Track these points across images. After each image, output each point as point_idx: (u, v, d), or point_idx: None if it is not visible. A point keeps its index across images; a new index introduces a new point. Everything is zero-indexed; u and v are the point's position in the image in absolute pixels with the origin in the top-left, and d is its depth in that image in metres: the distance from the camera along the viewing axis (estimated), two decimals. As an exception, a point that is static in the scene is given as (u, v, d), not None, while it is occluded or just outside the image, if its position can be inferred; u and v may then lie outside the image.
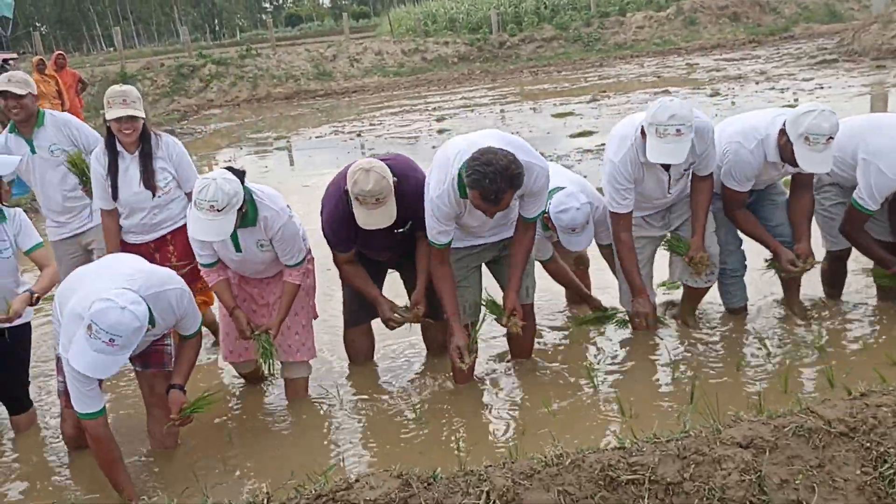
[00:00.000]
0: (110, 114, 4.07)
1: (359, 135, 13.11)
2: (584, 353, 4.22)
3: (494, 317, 3.89)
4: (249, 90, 20.85)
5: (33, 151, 4.46)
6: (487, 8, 27.10)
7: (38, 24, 66.68)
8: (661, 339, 4.26)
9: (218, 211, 3.45)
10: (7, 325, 3.69)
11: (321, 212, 3.87)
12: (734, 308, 4.45)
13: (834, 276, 4.51)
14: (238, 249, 3.77)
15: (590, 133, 10.74)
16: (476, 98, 16.54)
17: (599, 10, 25.16)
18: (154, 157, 4.20)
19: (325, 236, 3.90)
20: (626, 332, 4.38)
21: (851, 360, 3.76)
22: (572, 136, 10.74)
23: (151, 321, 3.14)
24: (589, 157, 9.09)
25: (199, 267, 3.92)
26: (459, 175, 3.41)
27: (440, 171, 3.54)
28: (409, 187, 3.71)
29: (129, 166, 4.20)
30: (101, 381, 3.23)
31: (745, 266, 4.36)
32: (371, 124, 14.22)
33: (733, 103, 11.88)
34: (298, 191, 9.17)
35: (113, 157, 4.19)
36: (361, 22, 61.33)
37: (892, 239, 4.17)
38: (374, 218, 3.57)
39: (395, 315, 3.94)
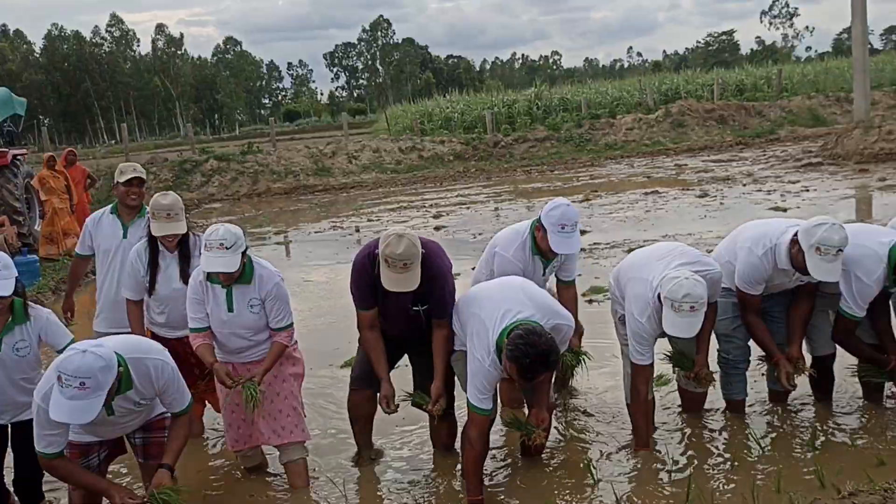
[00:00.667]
0: (155, 229, 4.33)
1: (357, 230, 13.40)
2: (584, 449, 4.33)
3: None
4: (250, 185, 21.30)
5: (125, 237, 4.71)
6: (481, 108, 28.06)
7: (42, 117, 68.19)
8: (659, 436, 4.38)
9: (227, 248, 3.80)
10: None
11: (351, 273, 4.12)
12: (733, 400, 4.57)
13: (820, 380, 4.66)
14: (230, 308, 3.99)
15: (582, 232, 11.03)
16: (472, 195, 16.96)
17: (590, 112, 26.07)
18: (192, 257, 4.44)
19: (351, 293, 4.16)
20: (626, 431, 4.49)
21: (842, 459, 3.88)
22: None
23: (129, 383, 3.33)
24: (582, 256, 9.33)
25: (189, 332, 4.11)
26: (498, 345, 3.63)
27: (481, 343, 3.72)
28: (434, 266, 3.97)
29: (170, 265, 4.43)
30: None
31: (749, 360, 4.52)
32: (369, 220, 14.54)
33: (722, 203, 12.27)
34: (298, 284, 9.35)
35: (153, 254, 4.43)
36: (357, 118, 63.06)
37: (875, 341, 4.36)
38: (400, 282, 3.80)
39: (391, 407, 4.09)
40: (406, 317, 4.08)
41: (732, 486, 3.75)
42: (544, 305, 3.83)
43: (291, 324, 4.12)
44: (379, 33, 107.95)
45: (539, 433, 3.93)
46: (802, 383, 4.57)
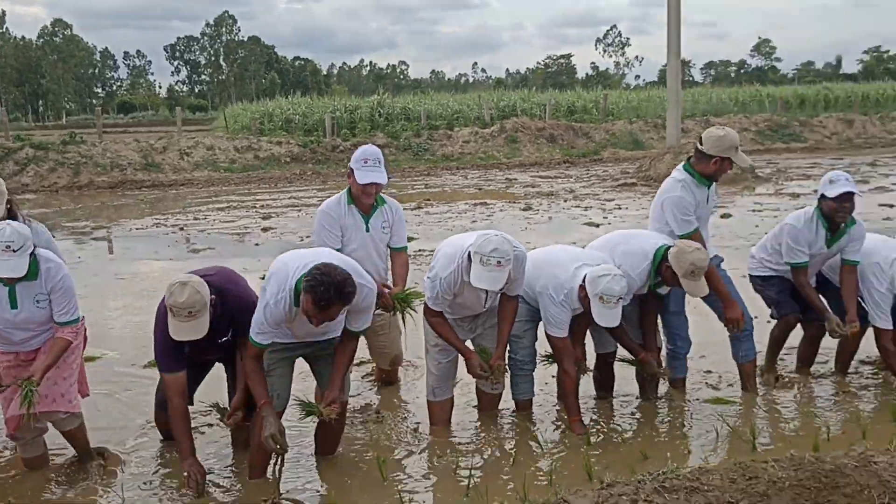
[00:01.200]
0: None
1: (181, 229, 12.96)
2: (386, 448, 4.44)
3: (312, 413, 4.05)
4: (70, 177, 20.05)
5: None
6: (323, 112, 27.91)
7: None
8: (449, 437, 4.57)
9: (14, 251, 3.71)
10: None
11: (154, 332, 3.97)
12: (520, 400, 4.84)
13: (603, 378, 5.05)
14: (14, 306, 3.88)
15: (410, 238, 11.21)
16: (305, 198, 16.82)
17: (430, 123, 26.56)
18: None
19: (155, 354, 4.06)
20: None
21: (612, 454, 4.20)
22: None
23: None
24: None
25: None
26: (297, 286, 3.72)
27: (278, 282, 3.82)
28: (230, 300, 3.96)
29: None
30: None
31: (535, 362, 4.80)
32: (196, 218, 14.11)
33: (543, 216, 12.90)
34: (112, 281, 8.96)
35: None
36: (198, 115, 60.86)
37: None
38: (185, 331, 3.75)
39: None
40: (215, 348, 4.08)
41: (509, 481, 3.97)
42: (350, 265, 3.90)
43: (78, 318, 4.00)
44: (223, 29, 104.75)
45: (330, 410, 3.94)
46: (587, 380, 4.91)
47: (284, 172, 21.87)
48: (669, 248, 4.48)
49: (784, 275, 5.16)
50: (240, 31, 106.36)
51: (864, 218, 5.41)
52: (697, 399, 4.99)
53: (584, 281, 4.31)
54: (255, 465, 4.09)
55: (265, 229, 12.57)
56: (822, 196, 4.95)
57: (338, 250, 4.53)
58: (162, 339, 3.89)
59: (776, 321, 5.31)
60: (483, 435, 4.58)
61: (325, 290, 3.55)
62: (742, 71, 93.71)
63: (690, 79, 78.85)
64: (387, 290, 4.75)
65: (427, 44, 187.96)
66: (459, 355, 4.52)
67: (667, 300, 4.86)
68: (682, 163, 4.94)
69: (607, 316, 4.24)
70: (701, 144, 4.81)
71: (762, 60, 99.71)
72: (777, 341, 5.34)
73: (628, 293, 4.46)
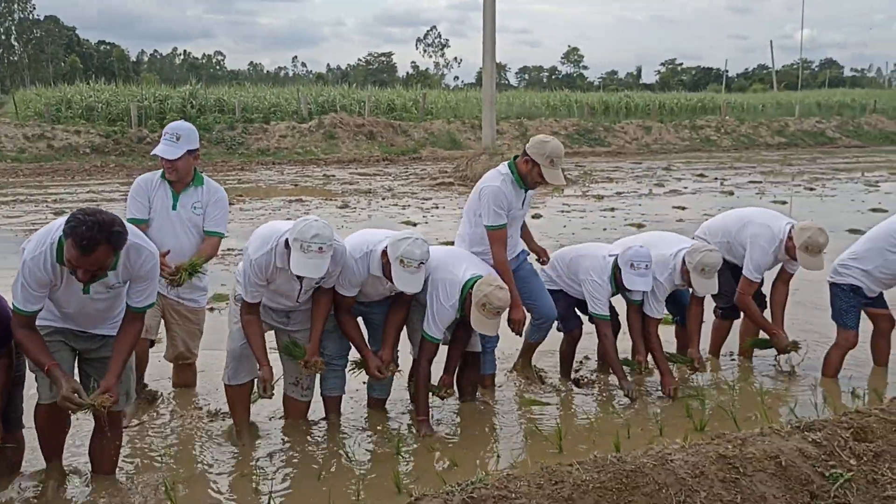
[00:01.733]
0: None
1: (-46, 224, 11.61)
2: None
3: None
4: None
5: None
6: (129, 100, 26.16)
7: None
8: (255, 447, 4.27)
9: None
10: None
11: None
12: (329, 397, 4.65)
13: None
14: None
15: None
16: (106, 192, 15.64)
17: (245, 116, 25.61)
18: None
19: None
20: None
21: (420, 464, 4.08)
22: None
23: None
24: (213, 262, 8.98)
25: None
26: (60, 240, 3.32)
27: (38, 238, 3.45)
28: None
29: None
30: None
31: (347, 358, 4.64)
32: (-26, 213, 12.70)
33: (370, 216, 12.71)
34: None
35: None
36: (-13, 99, 55.40)
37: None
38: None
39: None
40: None
41: (313, 496, 3.75)
42: (133, 231, 3.56)
43: None
44: (16, 6, 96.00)
45: (106, 398, 3.51)
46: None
47: (83, 164, 20.27)
48: (477, 279, 4.42)
49: (567, 290, 5.28)
50: (34, 8, 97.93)
51: (659, 219, 5.65)
52: (508, 400, 4.99)
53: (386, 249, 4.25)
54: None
55: (57, 226, 11.48)
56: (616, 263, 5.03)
57: (143, 222, 4.50)
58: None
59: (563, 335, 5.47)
60: (289, 445, 4.31)
61: (89, 229, 3.16)
62: (553, 77, 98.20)
63: (506, 82, 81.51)
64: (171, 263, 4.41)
65: (245, 35, 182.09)
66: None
67: None
68: (509, 160, 4.93)
69: (408, 281, 4.16)
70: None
71: (571, 68, 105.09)
72: (566, 355, 5.49)
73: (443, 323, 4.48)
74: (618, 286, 5.01)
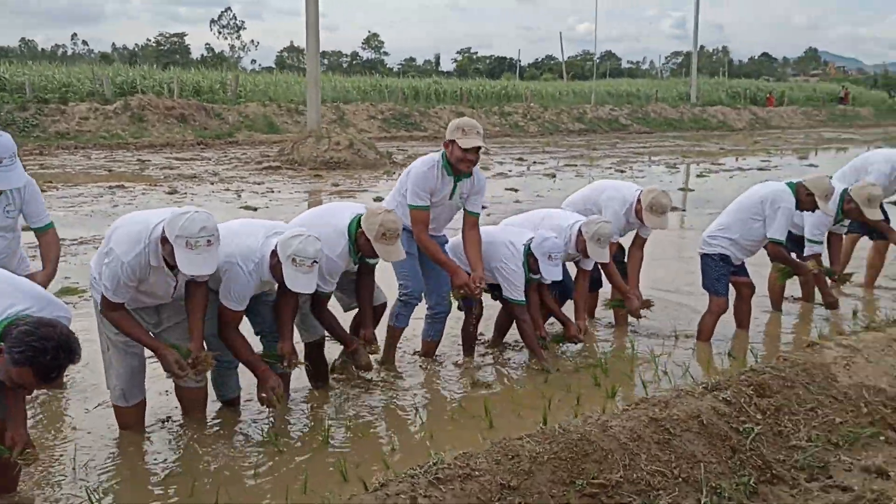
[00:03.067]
0: None
1: None
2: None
3: None
4: None
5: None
6: None
7: None
8: (162, 444, 3.94)
9: None
10: None
11: None
12: (227, 398, 4.41)
13: (316, 368, 4.81)
14: None
15: (41, 227, 9.69)
16: None
17: (37, 95, 23.34)
18: None
19: None
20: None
21: (360, 451, 3.96)
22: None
23: None
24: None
25: None
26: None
27: None
28: None
29: None
30: None
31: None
32: None
33: (192, 201, 12.05)
34: None
35: None
36: None
37: None
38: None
39: None
40: None
41: (261, 491, 3.54)
42: (38, 296, 3.16)
43: None
44: None
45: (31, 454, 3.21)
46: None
47: None
48: (359, 217, 4.43)
49: None
50: None
51: (497, 201, 5.93)
52: (424, 382, 4.97)
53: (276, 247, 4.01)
54: None
55: None
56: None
57: None
58: None
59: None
60: (213, 443, 4.02)
61: (54, 358, 2.83)
62: (355, 62, 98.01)
63: (304, 66, 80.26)
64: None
65: (14, 9, 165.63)
66: None
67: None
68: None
69: (301, 281, 3.94)
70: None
71: (372, 53, 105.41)
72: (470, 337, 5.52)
73: (328, 277, 4.37)
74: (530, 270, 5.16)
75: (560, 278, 5.14)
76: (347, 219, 4.45)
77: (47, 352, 2.80)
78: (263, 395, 4.09)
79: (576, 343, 5.48)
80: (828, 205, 5.54)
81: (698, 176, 17.21)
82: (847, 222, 6.42)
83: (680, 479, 3.47)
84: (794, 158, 22.47)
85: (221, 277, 4.02)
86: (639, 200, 5.62)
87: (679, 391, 4.12)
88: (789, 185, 5.60)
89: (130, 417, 4.08)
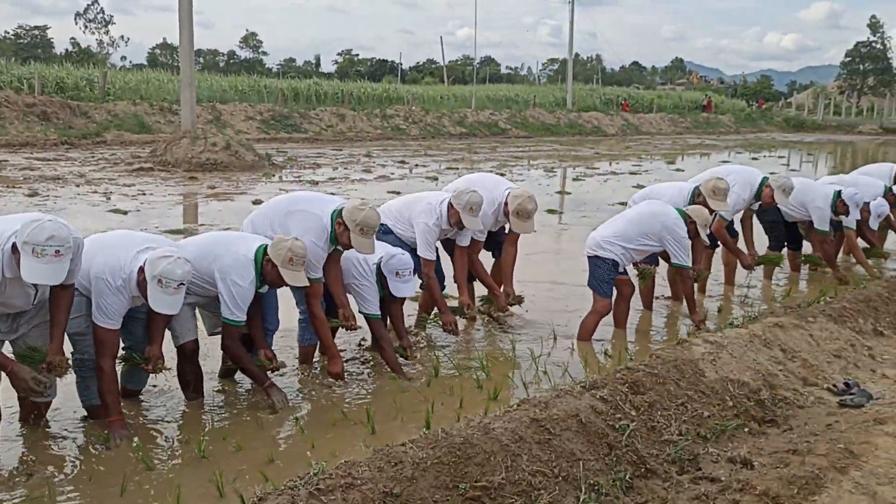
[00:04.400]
0: None
1: None
2: None
3: None
4: None
5: None
6: None
7: None
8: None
9: None
10: None
11: None
12: (94, 406, 4.20)
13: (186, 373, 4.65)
14: None
15: None
16: None
17: None
18: None
19: None
20: None
21: (234, 463, 3.82)
22: None
23: None
24: None
25: None
26: None
27: None
28: None
29: None
30: None
31: None
32: None
33: (56, 204, 11.36)
34: None
35: None
36: None
37: None
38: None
39: None
40: None
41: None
42: None
43: None
44: None
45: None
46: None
47: None
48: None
49: None
50: None
51: (378, 203, 6.01)
52: (299, 388, 4.85)
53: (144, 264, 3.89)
54: None
55: None
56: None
57: None
58: None
59: None
60: (76, 460, 3.78)
61: None
62: (232, 61, 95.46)
63: (178, 64, 77.52)
64: None
65: None
66: None
67: None
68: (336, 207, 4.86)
69: (166, 302, 3.85)
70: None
71: (250, 53, 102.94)
72: None
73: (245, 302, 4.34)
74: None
75: (413, 293, 5.27)
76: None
77: None
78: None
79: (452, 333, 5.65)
80: (706, 231, 6.01)
81: (574, 179, 17.71)
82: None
83: (560, 478, 3.53)
84: (663, 163, 23.49)
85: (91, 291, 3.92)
86: (506, 202, 5.78)
87: (559, 391, 4.19)
88: (679, 211, 5.96)
89: None
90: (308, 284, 4.51)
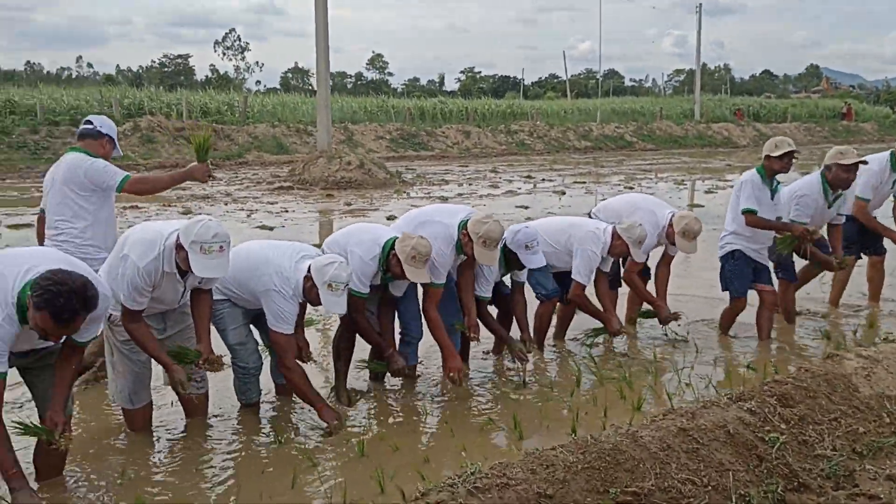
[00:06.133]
0: None
1: None
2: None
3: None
4: None
5: None
6: None
7: None
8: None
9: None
10: None
11: None
12: (251, 403, 4.67)
13: None
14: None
15: (61, 247, 9.84)
16: None
17: (47, 118, 23.58)
18: None
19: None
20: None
21: (391, 462, 4.04)
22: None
23: None
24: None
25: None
26: (21, 299, 3.14)
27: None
28: None
29: None
30: None
31: (262, 363, 4.67)
32: None
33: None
34: None
35: None
36: None
37: None
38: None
39: None
40: None
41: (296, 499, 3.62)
42: (72, 263, 3.40)
43: None
44: None
45: (66, 437, 3.46)
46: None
47: None
48: (396, 239, 4.71)
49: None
50: None
51: (508, 217, 6.04)
52: (440, 391, 5.06)
53: (309, 271, 4.27)
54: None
55: None
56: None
57: None
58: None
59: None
60: (242, 453, 4.12)
61: (67, 301, 3.03)
62: (359, 82, 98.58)
63: (309, 87, 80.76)
64: None
65: (19, 31, 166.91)
66: None
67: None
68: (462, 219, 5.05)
69: (338, 304, 4.21)
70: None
71: (376, 74, 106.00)
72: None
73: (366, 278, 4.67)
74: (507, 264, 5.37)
75: (543, 263, 5.32)
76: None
77: (61, 295, 3.02)
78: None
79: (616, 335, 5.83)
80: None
81: (706, 192, 17.32)
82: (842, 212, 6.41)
83: (709, 488, 3.55)
84: (797, 174, 22.55)
85: (260, 301, 4.36)
86: (671, 224, 5.86)
87: (704, 402, 4.20)
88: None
89: (138, 419, 4.31)
90: (428, 281, 4.75)
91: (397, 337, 5.17)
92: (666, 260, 6.15)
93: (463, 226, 4.89)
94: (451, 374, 4.83)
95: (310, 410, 4.52)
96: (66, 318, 3.06)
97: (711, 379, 5.13)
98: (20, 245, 9.60)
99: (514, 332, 5.49)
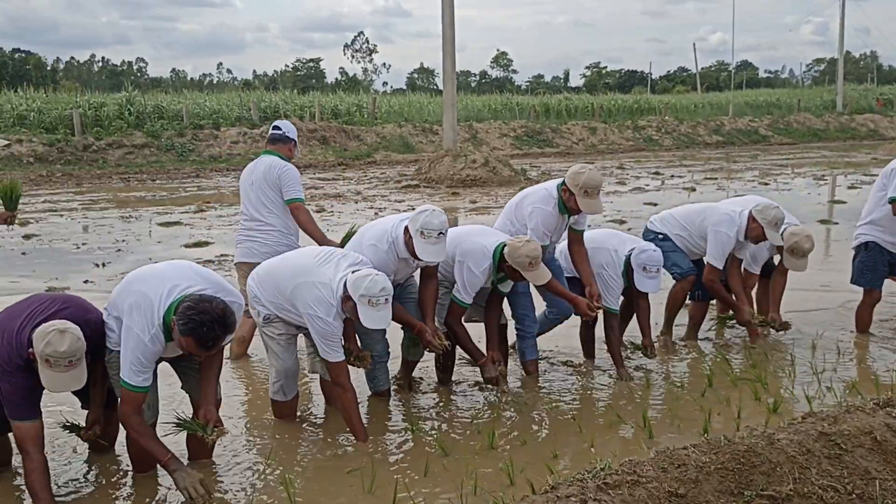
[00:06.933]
0: None
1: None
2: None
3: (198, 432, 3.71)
4: None
5: None
6: (63, 108, 25.16)
7: None
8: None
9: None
10: None
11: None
12: (380, 391, 4.86)
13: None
14: None
15: (206, 244, 10.45)
16: (62, 202, 15.11)
17: (192, 122, 25.03)
18: None
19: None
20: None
21: (522, 456, 4.09)
22: (187, 245, 10.33)
23: None
24: (212, 267, 8.80)
25: None
26: (166, 319, 3.48)
27: (143, 316, 3.50)
28: (89, 332, 3.54)
29: None
30: None
31: (389, 353, 4.83)
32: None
33: (339, 218, 12.60)
34: None
35: None
36: None
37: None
38: (64, 382, 3.37)
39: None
40: None
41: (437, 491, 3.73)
42: (214, 281, 3.71)
43: None
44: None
45: (219, 430, 3.72)
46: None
47: (28, 174, 19.42)
48: (506, 245, 4.69)
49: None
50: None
51: (635, 215, 5.93)
52: (568, 388, 5.06)
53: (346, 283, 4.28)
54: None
55: (27, 236, 11.04)
56: None
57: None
58: (18, 384, 3.43)
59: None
60: (375, 443, 4.27)
61: (210, 329, 3.36)
62: (483, 81, 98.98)
63: (434, 87, 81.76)
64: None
65: (165, 41, 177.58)
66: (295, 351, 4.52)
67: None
68: (559, 181, 5.07)
69: (376, 318, 4.05)
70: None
71: (501, 72, 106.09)
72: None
73: (472, 289, 4.73)
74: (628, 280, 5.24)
75: (656, 290, 5.19)
76: (494, 242, 4.85)
77: (205, 325, 3.32)
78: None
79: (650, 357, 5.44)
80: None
81: (849, 188, 16.39)
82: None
83: (853, 496, 3.41)
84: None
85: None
86: (754, 218, 5.50)
87: (848, 406, 4.03)
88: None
89: (287, 410, 4.58)
90: (549, 279, 4.74)
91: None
92: (782, 269, 5.85)
93: (562, 184, 4.95)
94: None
95: (438, 401, 4.63)
96: (211, 345, 3.39)
97: (854, 383, 4.89)
98: (170, 240, 10.26)
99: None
